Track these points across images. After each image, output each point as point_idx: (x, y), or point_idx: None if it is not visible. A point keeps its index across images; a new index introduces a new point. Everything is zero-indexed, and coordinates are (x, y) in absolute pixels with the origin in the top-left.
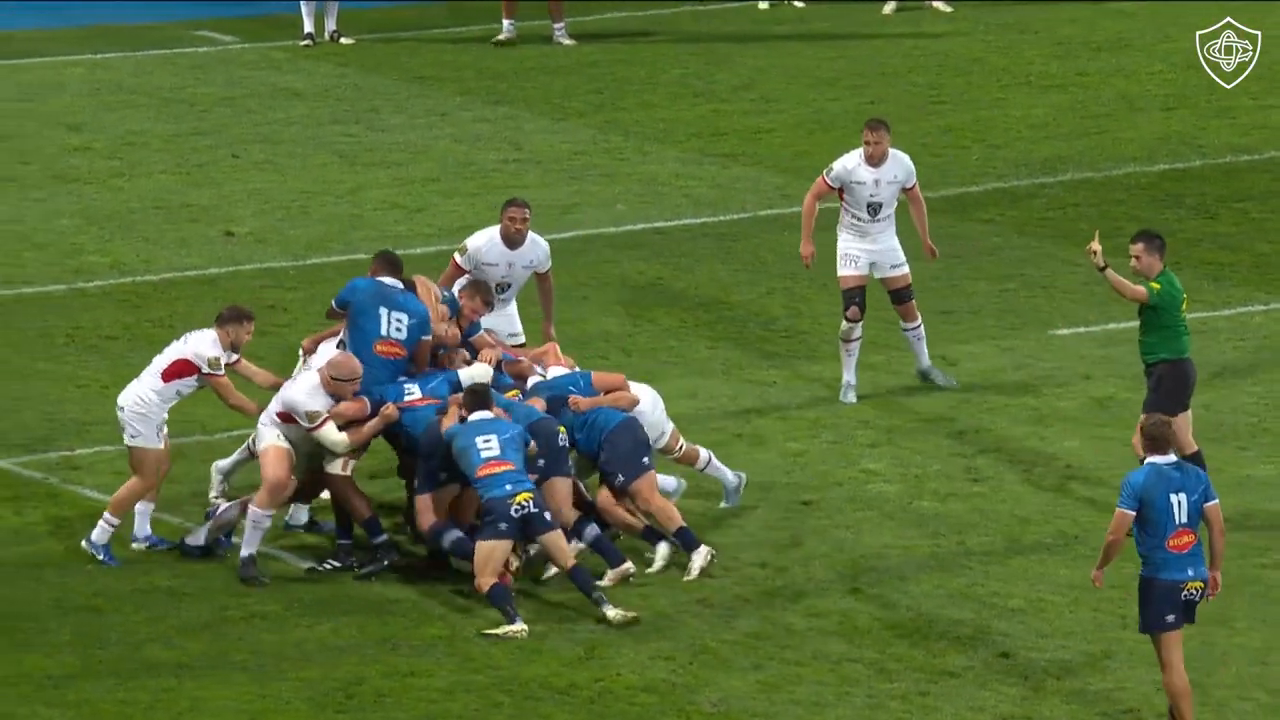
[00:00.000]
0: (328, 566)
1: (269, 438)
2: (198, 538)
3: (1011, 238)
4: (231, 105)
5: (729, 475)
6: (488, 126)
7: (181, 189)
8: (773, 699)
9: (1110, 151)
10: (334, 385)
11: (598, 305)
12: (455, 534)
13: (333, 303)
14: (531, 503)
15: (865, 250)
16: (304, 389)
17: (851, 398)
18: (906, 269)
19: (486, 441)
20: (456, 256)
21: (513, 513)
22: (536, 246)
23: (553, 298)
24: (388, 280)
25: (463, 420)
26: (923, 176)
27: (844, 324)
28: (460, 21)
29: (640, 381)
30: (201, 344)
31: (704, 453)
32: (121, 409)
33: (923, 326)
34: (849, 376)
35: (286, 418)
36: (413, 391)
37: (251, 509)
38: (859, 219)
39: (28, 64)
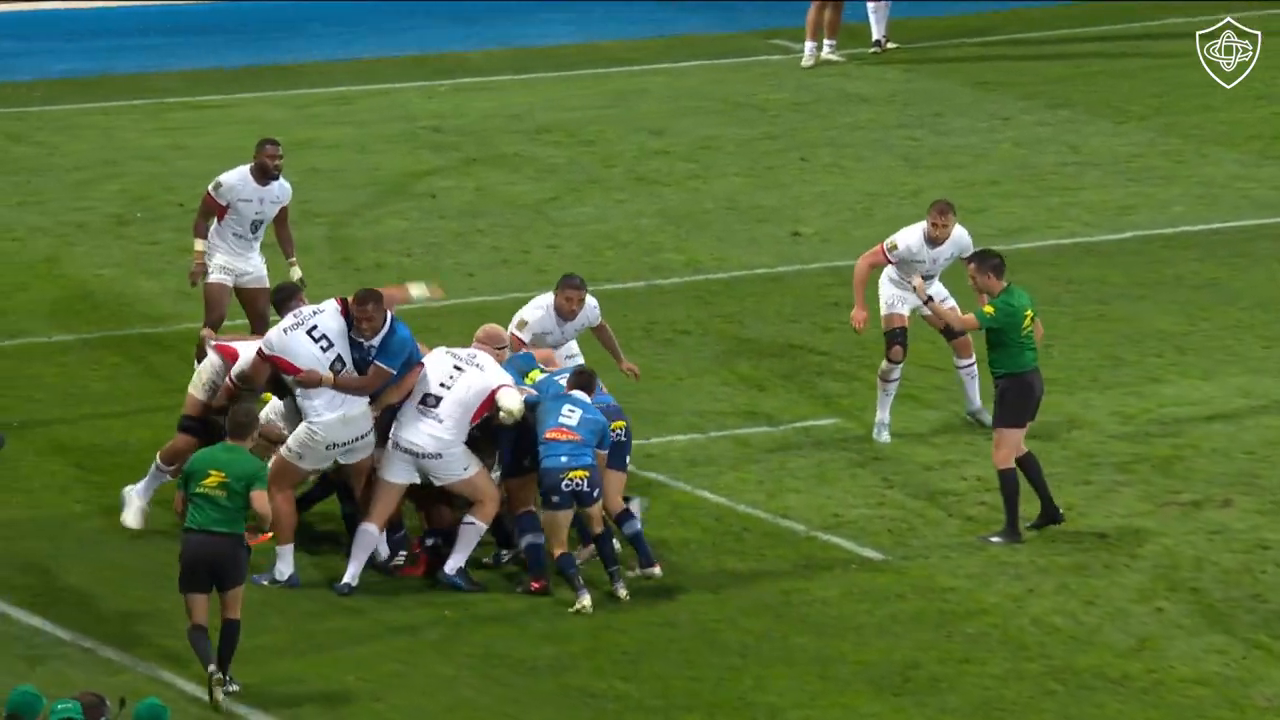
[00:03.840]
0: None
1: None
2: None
3: None
4: (801, 111)
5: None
6: (1048, 130)
7: (752, 191)
8: None
9: None
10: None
11: (1153, 305)
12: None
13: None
14: (586, 481)
15: (908, 296)
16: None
17: (885, 437)
18: (954, 303)
19: (570, 411)
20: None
21: (563, 486)
22: (588, 308)
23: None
24: None
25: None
26: None
27: (885, 363)
28: (1024, 27)
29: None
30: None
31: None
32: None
33: (976, 365)
34: (883, 415)
35: None
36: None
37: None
38: (906, 279)
39: (615, 73)
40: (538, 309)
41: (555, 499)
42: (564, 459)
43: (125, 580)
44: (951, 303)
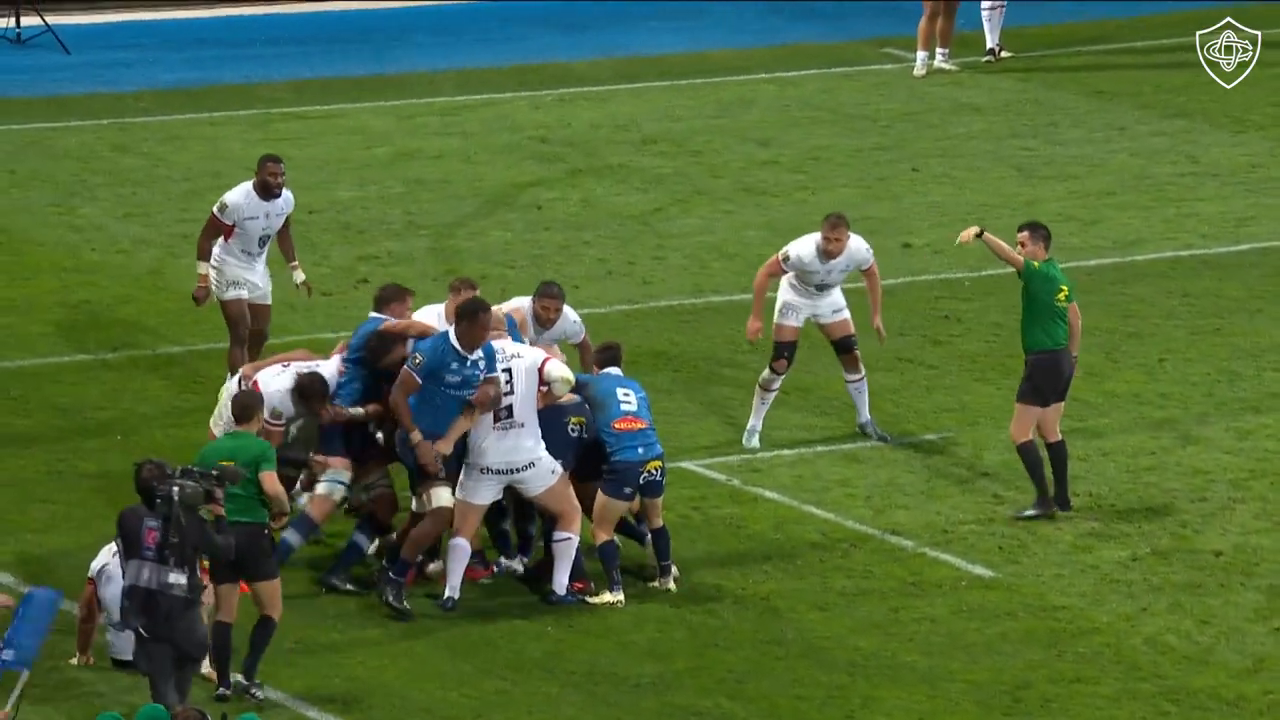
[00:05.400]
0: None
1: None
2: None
3: None
4: (913, 120)
5: None
6: (1165, 140)
7: (862, 202)
8: None
9: None
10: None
11: (1271, 319)
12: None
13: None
14: (660, 471)
15: (806, 304)
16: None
17: (755, 442)
18: (847, 315)
19: (625, 395)
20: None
21: (640, 480)
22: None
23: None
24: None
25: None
26: None
27: (767, 373)
28: (1140, 35)
29: None
30: None
31: None
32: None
33: (865, 380)
34: (756, 422)
35: None
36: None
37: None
38: (805, 288)
39: (723, 82)
40: (518, 310)
41: (627, 490)
42: (640, 451)
43: None
44: (846, 314)
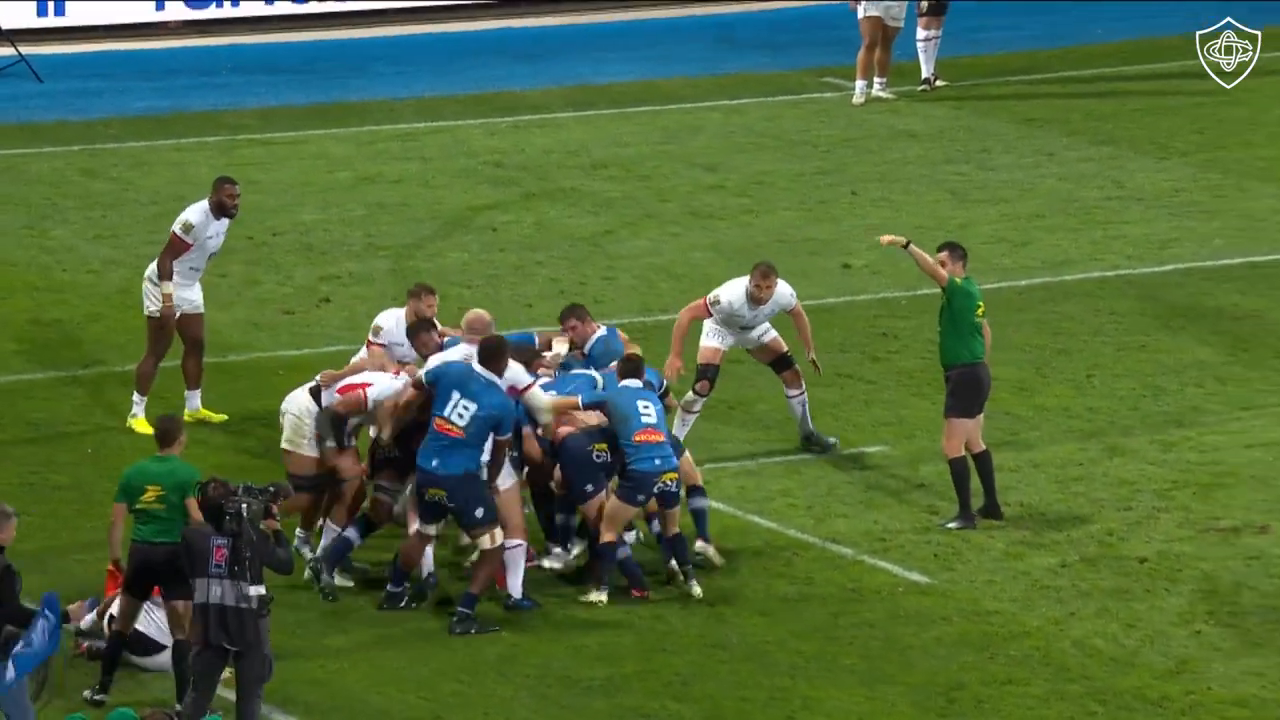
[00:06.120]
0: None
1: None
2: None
3: None
4: (852, 146)
5: None
6: (1092, 165)
7: (803, 224)
8: None
9: None
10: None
11: (1193, 336)
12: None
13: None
14: (675, 482)
15: (732, 337)
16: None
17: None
18: (775, 334)
19: (646, 408)
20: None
21: (655, 490)
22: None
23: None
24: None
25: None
26: None
27: (690, 394)
28: (1068, 66)
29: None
30: None
31: None
32: None
33: (805, 394)
34: (678, 435)
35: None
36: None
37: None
38: (729, 329)
39: (671, 109)
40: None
41: (640, 497)
42: (657, 462)
43: None
44: (774, 334)
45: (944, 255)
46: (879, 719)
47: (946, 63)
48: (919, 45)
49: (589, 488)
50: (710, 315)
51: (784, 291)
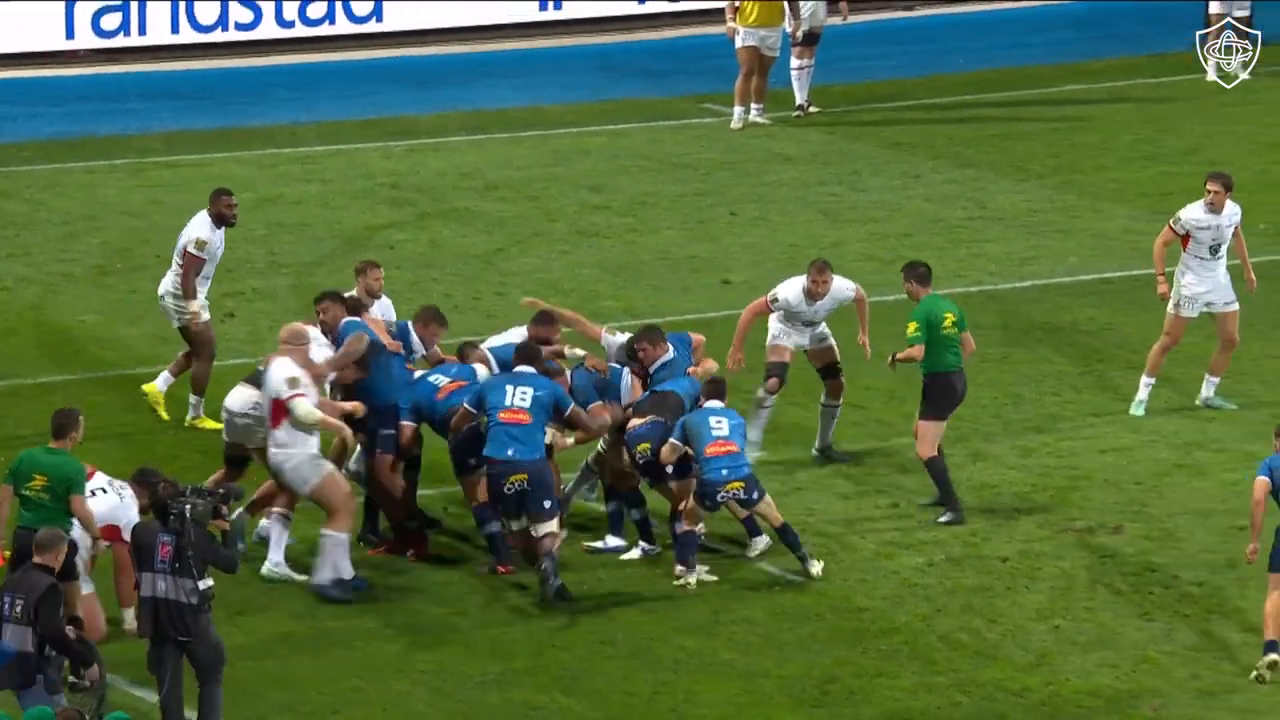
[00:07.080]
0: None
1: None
2: None
3: None
4: (730, 169)
5: None
6: (956, 187)
7: (685, 243)
8: (1209, 704)
9: None
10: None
11: (1051, 348)
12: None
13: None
14: (743, 490)
15: (795, 336)
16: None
17: (756, 453)
18: (833, 343)
19: (718, 422)
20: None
21: (719, 498)
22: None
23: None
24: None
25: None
26: None
27: (761, 391)
28: (933, 93)
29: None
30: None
31: None
32: None
33: (839, 409)
34: (755, 435)
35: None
36: (439, 380)
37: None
38: (792, 325)
39: (558, 134)
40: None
41: (708, 504)
42: (724, 472)
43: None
44: (831, 341)
45: (909, 286)
46: (757, 710)
47: (819, 90)
48: (793, 73)
49: (470, 461)
50: (771, 311)
51: (840, 286)
